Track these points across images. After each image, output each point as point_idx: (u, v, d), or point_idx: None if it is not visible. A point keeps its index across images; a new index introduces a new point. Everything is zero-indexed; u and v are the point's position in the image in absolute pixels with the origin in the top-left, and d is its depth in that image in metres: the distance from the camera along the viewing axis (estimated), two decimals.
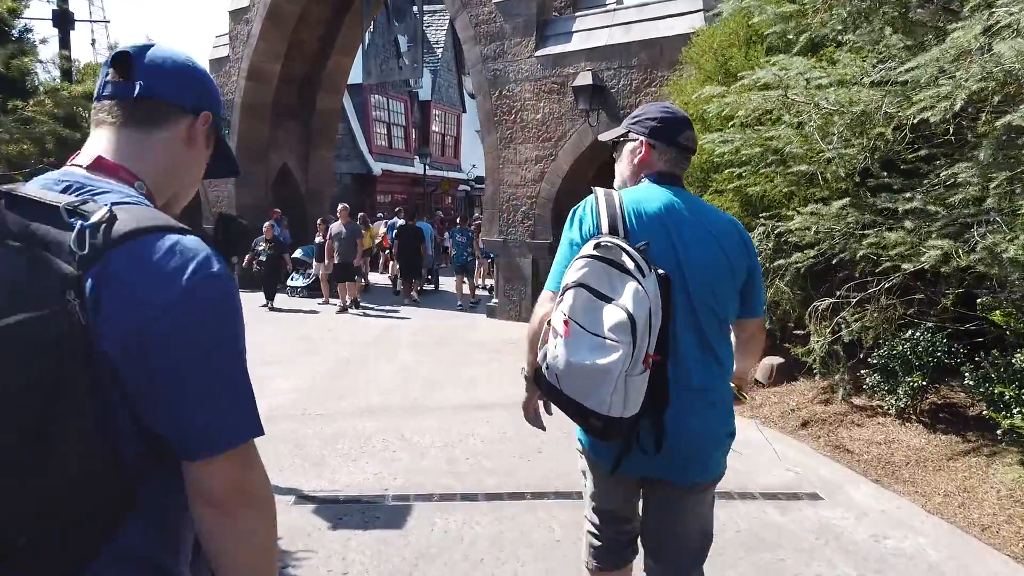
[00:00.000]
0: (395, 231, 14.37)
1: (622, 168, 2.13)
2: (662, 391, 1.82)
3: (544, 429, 2.22)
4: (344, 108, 21.80)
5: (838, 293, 5.16)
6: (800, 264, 5.30)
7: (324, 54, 16.39)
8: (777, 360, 6.02)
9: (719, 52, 6.61)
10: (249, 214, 15.72)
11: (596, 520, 2.15)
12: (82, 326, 0.89)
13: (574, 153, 10.52)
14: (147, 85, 1.12)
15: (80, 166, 1.09)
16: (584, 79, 9.92)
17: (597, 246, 1.79)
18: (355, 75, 18.96)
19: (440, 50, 27.24)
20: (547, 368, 1.79)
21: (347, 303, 12.19)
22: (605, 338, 1.69)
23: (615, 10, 10.27)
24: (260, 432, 1.03)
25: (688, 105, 6.70)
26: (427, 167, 24.28)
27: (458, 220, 17.07)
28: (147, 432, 0.97)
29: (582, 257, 1.80)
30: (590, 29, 10.38)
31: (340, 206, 12.54)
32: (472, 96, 32.94)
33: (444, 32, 27.33)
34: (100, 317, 0.91)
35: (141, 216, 0.98)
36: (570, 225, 1.99)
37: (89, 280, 0.91)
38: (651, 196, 1.95)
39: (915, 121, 4.08)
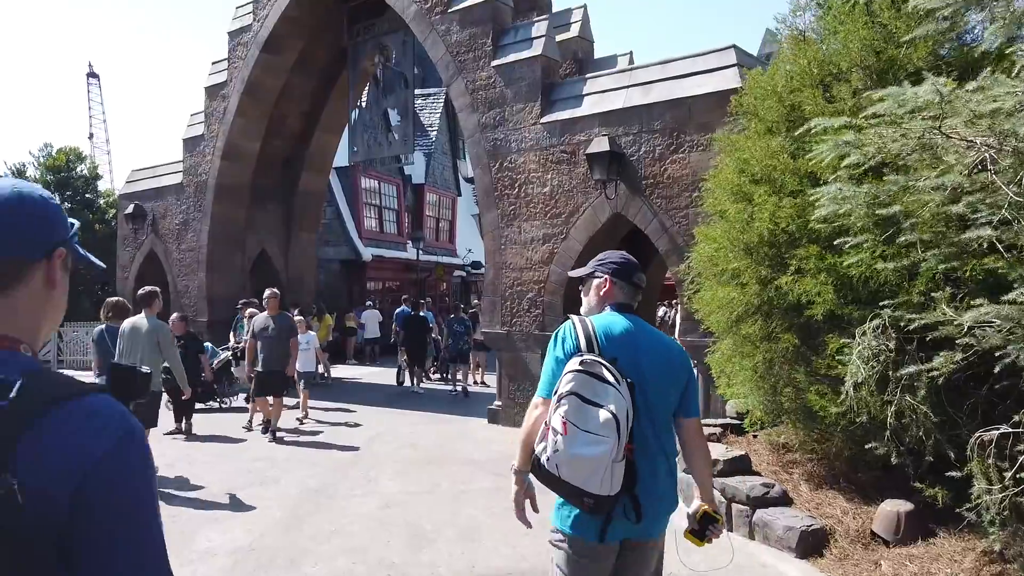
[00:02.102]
0: (402, 320, 14.20)
1: (590, 299, 2.67)
2: (633, 472, 2.33)
3: (530, 526, 2.55)
4: (332, 191, 20.59)
5: (1015, 418, 3.50)
6: (941, 371, 3.68)
7: (308, 132, 15.20)
8: (904, 507, 4.29)
9: (783, 96, 5.18)
10: (222, 305, 14.14)
11: None
12: (16, 499, 0.88)
13: (588, 230, 9.03)
14: None
15: None
16: (600, 145, 8.54)
17: (582, 362, 2.31)
18: (343, 157, 17.82)
19: (434, 132, 26.38)
20: (547, 460, 2.27)
21: (265, 426, 9.01)
22: (597, 434, 2.22)
23: (632, 70, 9.00)
24: None
25: (751, 162, 5.21)
26: (420, 252, 22.92)
27: (452, 308, 15.56)
28: None
29: (571, 371, 2.31)
30: (603, 91, 9.09)
31: (267, 292, 8.89)
32: (468, 180, 32.18)
33: (438, 115, 26.57)
34: (29, 486, 0.90)
35: (53, 383, 1.00)
36: (554, 345, 2.49)
37: (17, 453, 0.91)
38: (615, 321, 2.51)
39: None
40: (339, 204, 21.46)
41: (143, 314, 6.92)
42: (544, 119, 9.44)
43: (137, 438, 0.99)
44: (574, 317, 2.51)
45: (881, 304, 3.96)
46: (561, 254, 9.27)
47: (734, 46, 8.22)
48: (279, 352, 8.64)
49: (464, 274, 28.11)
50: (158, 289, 7.27)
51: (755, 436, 6.08)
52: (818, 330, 4.72)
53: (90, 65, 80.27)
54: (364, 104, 13.78)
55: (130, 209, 15.39)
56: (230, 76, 13.78)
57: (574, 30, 11.04)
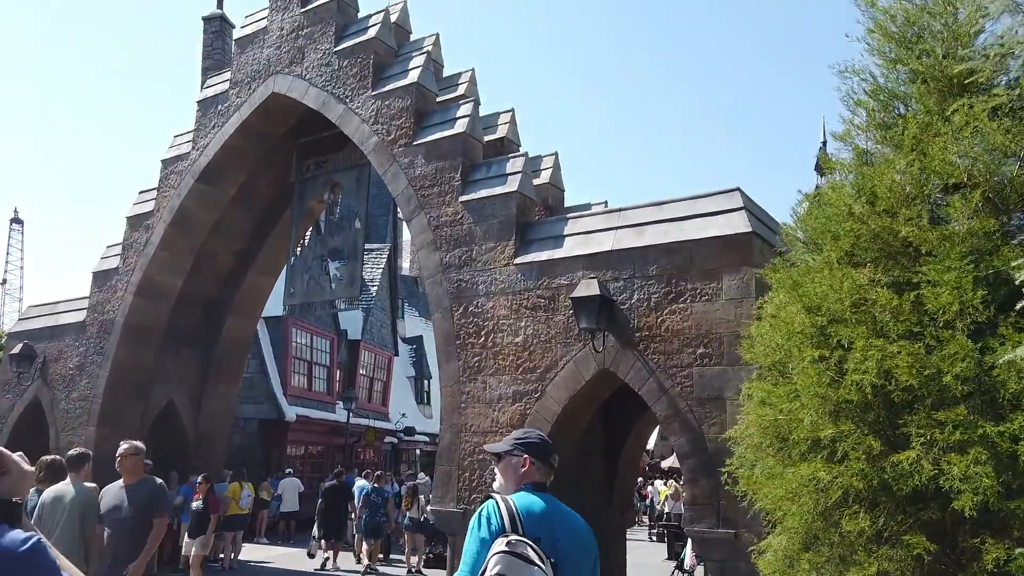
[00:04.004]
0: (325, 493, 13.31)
1: (507, 476, 2.72)
2: None
3: None
4: (259, 342, 18.75)
5: None
6: None
7: (239, 272, 13.70)
8: None
9: (865, 218, 4.09)
10: (107, 467, 11.75)
11: None
12: None
13: (569, 388, 7.61)
14: None
15: None
16: (588, 288, 7.35)
17: (508, 543, 2.33)
18: (274, 306, 16.23)
19: (375, 288, 25.22)
20: None
21: None
22: None
23: (622, 210, 8.06)
24: None
25: (827, 298, 4.01)
26: (351, 414, 20.86)
27: (375, 477, 13.62)
28: None
29: (498, 553, 2.32)
30: (589, 232, 8.05)
31: (122, 447, 5.55)
32: (406, 340, 30.71)
33: (380, 271, 25.57)
34: None
35: None
36: (478, 525, 2.48)
37: None
38: (534, 501, 2.57)
39: None
40: (264, 356, 19.54)
41: (68, 480, 5.54)
42: (519, 259, 8.28)
43: (43, 549, 1.59)
44: (496, 496, 2.58)
45: None
46: (535, 416, 7.75)
47: (739, 189, 7.40)
48: (136, 542, 5.50)
49: (395, 440, 25.89)
50: (89, 452, 6.02)
51: None
52: (963, 530, 3.31)
53: (15, 211, 77.84)
54: (307, 243, 12.48)
55: (17, 349, 13.20)
56: (157, 206, 12.39)
57: (544, 176, 10.28)
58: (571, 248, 8.02)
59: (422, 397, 29.63)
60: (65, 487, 5.49)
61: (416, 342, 30.20)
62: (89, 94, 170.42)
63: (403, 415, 25.77)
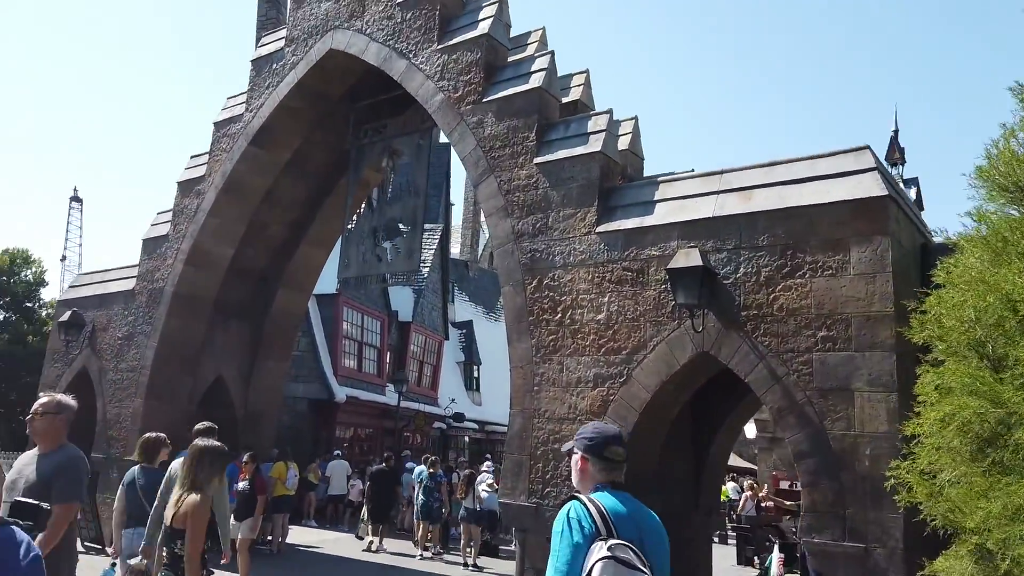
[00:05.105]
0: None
1: (576, 475, 2.59)
2: None
3: None
4: (309, 320, 18.22)
5: None
6: None
7: (292, 244, 13.03)
8: None
9: None
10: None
11: None
12: None
13: (661, 373, 6.68)
14: None
15: None
16: (687, 258, 6.40)
17: (610, 548, 2.23)
18: (326, 284, 15.61)
19: (426, 269, 24.54)
20: None
21: None
22: None
23: (722, 172, 7.06)
24: None
25: None
26: (401, 397, 20.23)
27: (430, 462, 13.23)
28: None
29: (601, 559, 2.21)
30: (684, 197, 7.09)
31: (38, 402, 4.21)
32: (456, 325, 30.02)
33: (433, 251, 24.87)
34: None
35: None
36: (568, 528, 2.34)
37: None
38: (618, 502, 2.43)
39: None
40: (315, 335, 19.01)
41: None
42: (601, 227, 7.37)
43: (40, 558, 1.45)
44: (582, 496, 2.45)
45: None
46: (619, 403, 6.85)
47: (868, 147, 6.35)
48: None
49: (444, 426, 25.23)
50: (215, 426, 6.21)
51: None
52: None
53: (75, 190, 79.49)
54: (362, 214, 11.74)
55: (65, 317, 12.79)
56: (209, 170, 11.79)
57: (623, 143, 9.29)
58: (663, 215, 7.07)
59: (471, 383, 28.93)
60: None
61: (466, 327, 29.50)
62: (145, 70, 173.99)
63: (453, 400, 25.12)
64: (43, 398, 4.22)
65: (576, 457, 2.57)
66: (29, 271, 18.97)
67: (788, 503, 11.75)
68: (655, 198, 7.28)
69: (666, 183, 7.42)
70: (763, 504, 13.76)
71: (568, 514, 2.38)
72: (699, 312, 6.41)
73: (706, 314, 6.43)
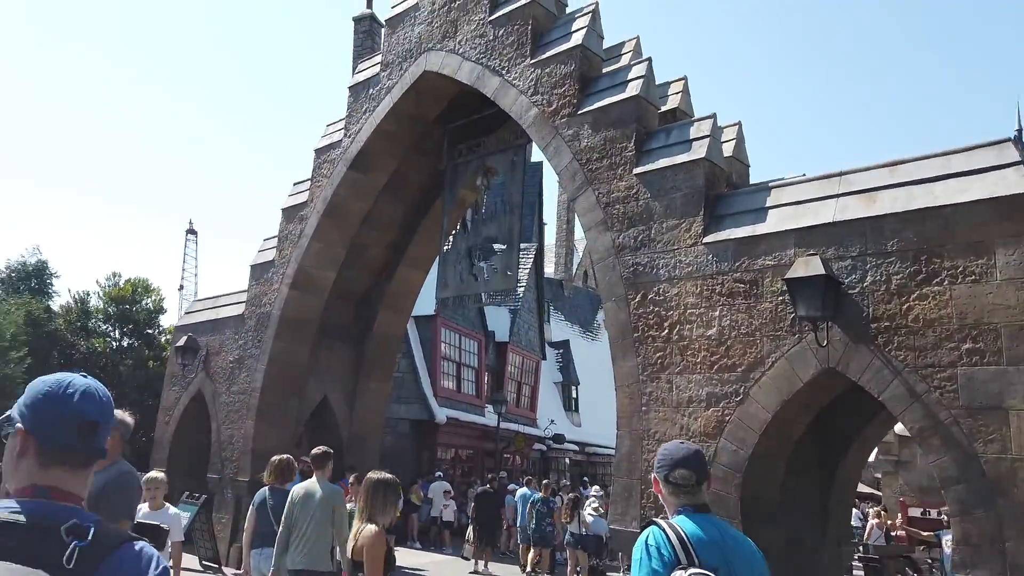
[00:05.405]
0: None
1: (660, 500, 2.53)
2: None
3: None
4: (408, 341, 18.43)
5: None
6: None
7: (391, 266, 13.18)
8: None
9: None
10: (263, 463, 11.54)
11: None
12: None
13: (782, 391, 6.20)
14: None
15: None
16: (808, 267, 5.92)
17: None
18: (423, 305, 15.71)
19: (522, 288, 24.46)
20: None
21: None
22: None
23: (842, 174, 6.54)
24: None
25: None
26: (500, 418, 20.12)
27: (544, 487, 12.80)
28: None
29: None
30: (799, 202, 6.62)
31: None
32: (553, 345, 29.75)
33: (527, 272, 24.78)
34: None
35: (113, 531, 1.43)
36: (649, 557, 2.23)
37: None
38: (700, 527, 2.31)
39: None
40: (414, 356, 19.20)
41: (315, 478, 6.00)
42: (709, 238, 6.98)
43: (168, 572, 1.46)
44: (660, 521, 2.36)
45: None
46: (736, 423, 6.41)
47: (1011, 139, 5.72)
48: None
49: (544, 448, 24.94)
50: (331, 450, 6.36)
51: None
52: None
53: (190, 222, 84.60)
54: (458, 233, 11.73)
55: (182, 341, 13.39)
56: (311, 196, 12.10)
57: (727, 149, 8.85)
58: (777, 222, 6.62)
59: (570, 404, 28.55)
60: (313, 484, 5.87)
61: (563, 346, 29.21)
62: (256, 106, 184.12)
63: (552, 422, 24.83)
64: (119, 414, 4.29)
65: (654, 480, 2.54)
66: (149, 299, 20.16)
67: (925, 533, 10.79)
68: (767, 204, 6.84)
69: (779, 188, 6.96)
70: (892, 533, 12.73)
71: (647, 540, 2.30)
72: (823, 325, 5.91)
73: (831, 327, 5.93)
